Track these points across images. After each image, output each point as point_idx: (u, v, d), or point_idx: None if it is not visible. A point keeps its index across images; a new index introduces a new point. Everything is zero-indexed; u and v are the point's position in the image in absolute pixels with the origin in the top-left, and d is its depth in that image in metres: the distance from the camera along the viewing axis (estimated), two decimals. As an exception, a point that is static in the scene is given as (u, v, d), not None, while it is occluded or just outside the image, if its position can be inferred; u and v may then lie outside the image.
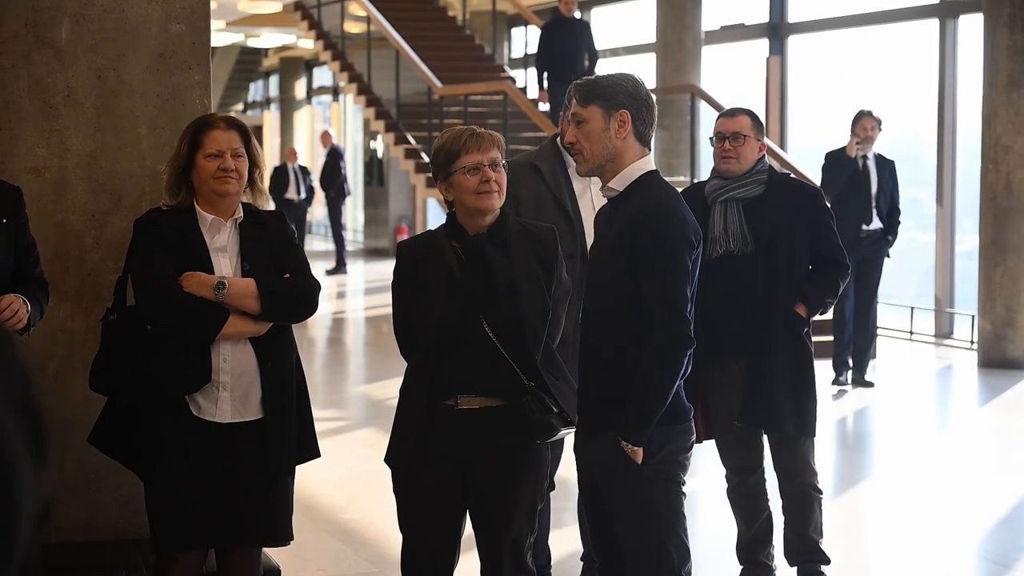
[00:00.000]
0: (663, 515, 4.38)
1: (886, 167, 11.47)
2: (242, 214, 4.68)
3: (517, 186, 5.45)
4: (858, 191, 11.32)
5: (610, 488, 4.41)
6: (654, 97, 4.47)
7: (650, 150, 4.46)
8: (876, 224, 11.40)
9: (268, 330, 4.63)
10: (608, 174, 4.40)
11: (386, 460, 4.59)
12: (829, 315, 13.82)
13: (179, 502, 4.56)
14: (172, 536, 4.61)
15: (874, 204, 11.36)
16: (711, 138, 6.02)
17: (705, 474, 8.19)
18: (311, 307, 4.73)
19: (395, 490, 4.59)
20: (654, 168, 4.44)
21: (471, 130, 4.49)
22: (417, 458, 4.48)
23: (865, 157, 11.33)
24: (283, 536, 4.74)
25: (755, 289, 5.81)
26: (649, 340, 4.25)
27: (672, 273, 4.25)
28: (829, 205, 6.16)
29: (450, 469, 4.47)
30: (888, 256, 11.51)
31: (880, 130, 11.40)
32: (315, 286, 4.74)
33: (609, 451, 4.34)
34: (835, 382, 11.62)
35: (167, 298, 4.50)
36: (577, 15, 16.21)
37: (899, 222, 11.49)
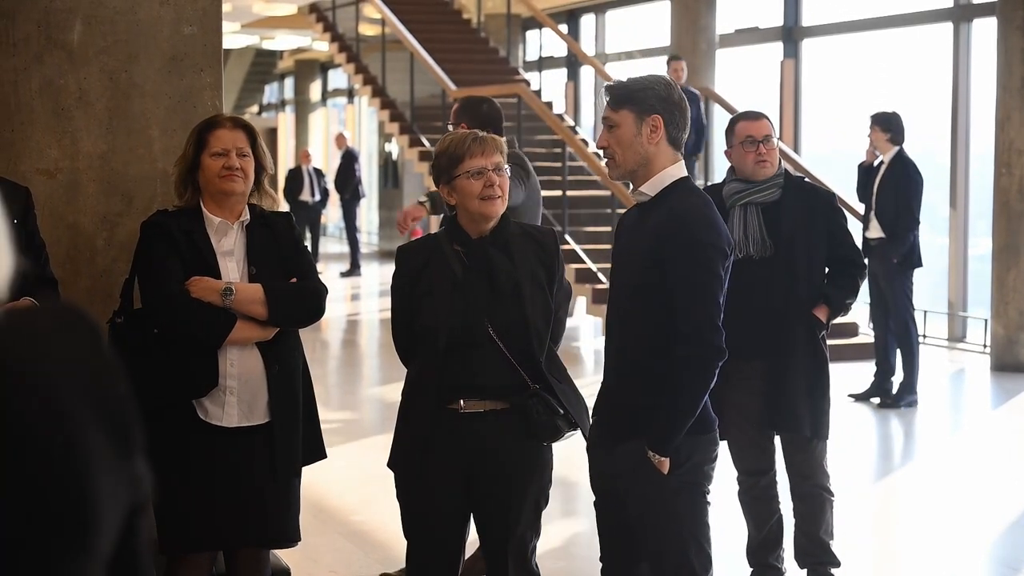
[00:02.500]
0: (687, 525, 4.34)
1: (895, 171, 10.80)
2: (248, 216, 4.69)
3: None
4: (863, 196, 11.11)
5: (635, 497, 4.35)
6: (687, 100, 4.39)
7: (683, 154, 4.40)
8: (875, 232, 10.86)
9: (274, 334, 4.64)
10: (640, 179, 4.33)
11: (389, 465, 4.60)
12: (848, 318, 13.82)
13: (186, 505, 4.56)
14: (179, 538, 4.63)
15: (873, 210, 10.88)
16: (740, 143, 5.97)
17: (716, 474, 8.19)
18: (318, 312, 4.73)
19: (398, 495, 4.59)
20: (686, 174, 4.36)
21: (474, 134, 4.49)
22: (421, 462, 4.49)
23: (881, 161, 11.06)
24: (290, 537, 4.75)
25: (774, 292, 5.81)
26: (681, 351, 4.18)
27: (705, 283, 4.18)
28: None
29: (454, 472, 4.47)
30: (898, 265, 10.76)
31: (879, 129, 10.86)
32: (322, 291, 4.74)
33: (635, 460, 4.29)
34: (860, 398, 11.25)
35: (174, 303, 4.51)
36: (689, 85, 15.00)
37: (904, 232, 10.70)
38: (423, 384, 4.48)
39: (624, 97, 4.30)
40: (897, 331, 10.98)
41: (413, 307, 4.49)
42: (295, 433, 4.67)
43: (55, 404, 1.33)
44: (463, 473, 4.48)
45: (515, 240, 4.50)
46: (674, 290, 4.18)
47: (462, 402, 4.44)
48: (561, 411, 4.45)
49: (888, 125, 10.86)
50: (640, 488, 4.32)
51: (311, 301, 4.70)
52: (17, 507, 1.27)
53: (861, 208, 11.55)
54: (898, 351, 11.12)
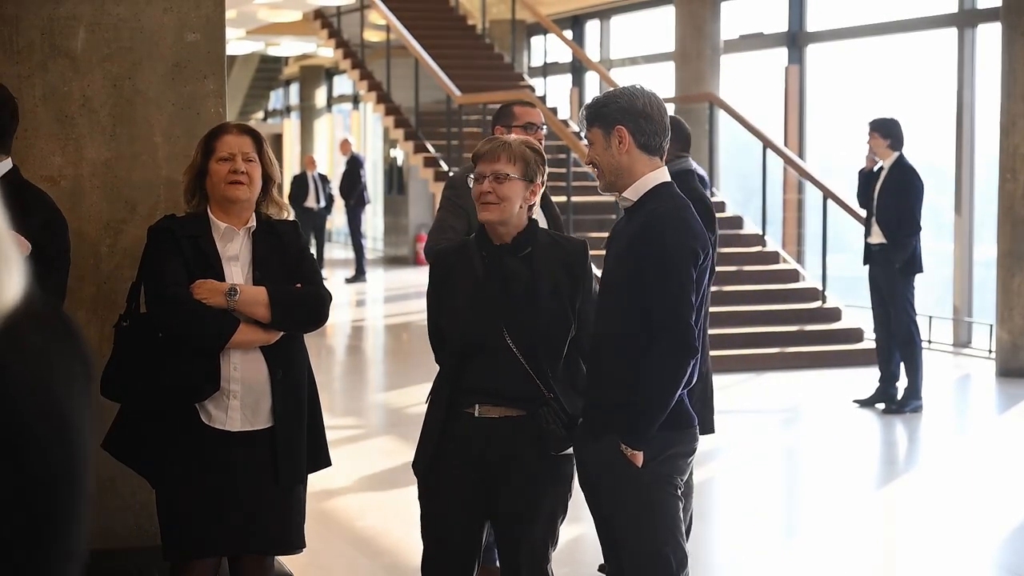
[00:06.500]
0: (661, 519, 4.41)
1: (895, 177, 10.81)
2: (255, 223, 4.71)
3: (467, 199, 5.43)
4: (864, 203, 11.15)
5: (610, 490, 4.43)
6: (660, 105, 4.48)
7: (663, 159, 4.49)
8: (877, 238, 10.88)
9: (279, 339, 4.64)
10: (621, 188, 4.47)
11: (413, 467, 4.61)
12: (853, 324, 13.81)
13: (189, 510, 4.57)
14: (183, 544, 4.63)
15: (874, 216, 10.91)
16: None
17: (717, 466, 8.16)
18: (322, 317, 4.74)
19: (419, 497, 4.62)
20: (668, 179, 4.48)
21: (493, 139, 4.57)
22: (437, 464, 4.51)
23: (881, 167, 11.03)
24: (295, 544, 4.75)
25: None
26: (654, 348, 4.28)
27: (677, 282, 4.28)
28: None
29: (470, 476, 4.49)
30: (900, 270, 10.77)
31: (877, 135, 10.87)
32: (326, 296, 4.75)
33: (610, 453, 4.36)
34: (865, 404, 11.25)
35: (178, 305, 4.52)
36: None
37: (906, 237, 10.74)
38: (442, 386, 4.51)
39: (592, 116, 4.49)
40: (900, 337, 10.96)
41: (440, 310, 4.54)
42: (299, 438, 4.67)
43: (56, 406, 1.34)
44: (479, 478, 4.49)
45: (540, 249, 4.53)
46: (649, 290, 4.29)
47: (476, 407, 4.46)
48: (571, 421, 4.47)
49: (887, 131, 10.85)
50: (615, 482, 4.40)
51: (315, 306, 4.71)
52: (16, 509, 1.28)
53: (863, 214, 11.56)
54: (900, 356, 11.10)
